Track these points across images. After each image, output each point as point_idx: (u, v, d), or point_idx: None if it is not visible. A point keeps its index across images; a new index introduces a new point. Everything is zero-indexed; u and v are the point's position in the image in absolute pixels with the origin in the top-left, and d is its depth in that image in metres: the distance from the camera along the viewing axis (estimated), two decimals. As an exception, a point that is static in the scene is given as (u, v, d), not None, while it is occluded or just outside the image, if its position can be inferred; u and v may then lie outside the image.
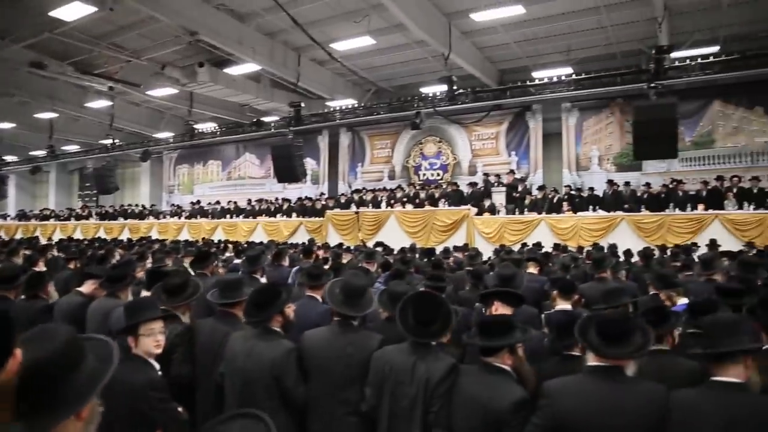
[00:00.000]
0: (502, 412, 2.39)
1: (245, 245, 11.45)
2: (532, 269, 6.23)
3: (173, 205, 23.67)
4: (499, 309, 3.47)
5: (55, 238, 18.53)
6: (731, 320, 2.31)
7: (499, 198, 14.05)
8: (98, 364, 1.48)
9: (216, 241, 14.14)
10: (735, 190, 12.01)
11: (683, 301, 4.28)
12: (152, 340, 2.75)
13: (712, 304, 3.51)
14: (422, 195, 15.40)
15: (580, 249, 10.27)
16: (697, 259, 6.61)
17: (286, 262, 7.59)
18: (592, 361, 2.35)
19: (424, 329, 2.82)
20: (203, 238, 15.52)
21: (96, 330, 3.85)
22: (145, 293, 3.96)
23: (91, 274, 4.52)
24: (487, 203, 13.89)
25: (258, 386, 2.95)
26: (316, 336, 3.16)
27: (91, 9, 10.74)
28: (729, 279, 5.37)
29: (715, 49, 12.76)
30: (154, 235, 17.97)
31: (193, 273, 5.11)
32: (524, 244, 11.01)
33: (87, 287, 4.47)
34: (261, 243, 12.49)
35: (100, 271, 4.55)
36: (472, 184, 15.13)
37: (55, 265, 9.06)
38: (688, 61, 12.07)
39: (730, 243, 10.21)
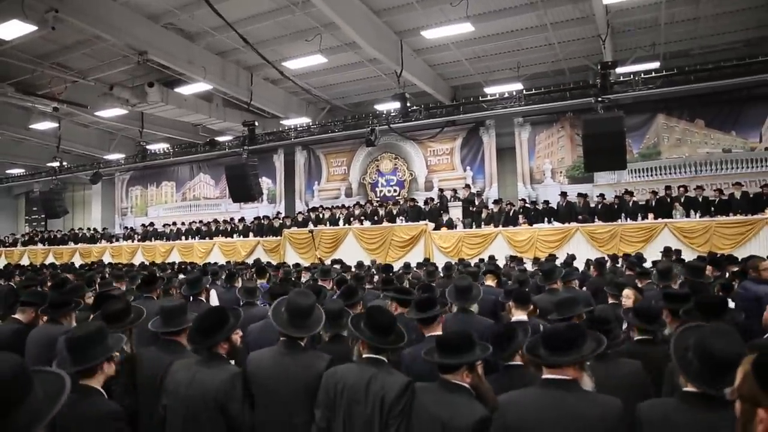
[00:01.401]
0: (464, 430, 2.33)
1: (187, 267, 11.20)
2: (490, 282, 6.26)
3: (126, 227, 23.03)
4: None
5: (1, 265, 17.72)
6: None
7: (455, 212, 14.16)
8: (44, 400, 1.39)
9: (169, 263, 13.77)
10: (682, 200, 12.42)
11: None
12: None
13: (653, 310, 3.58)
14: (381, 212, 15.39)
15: (537, 260, 10.41)
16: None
17: (239, 284, 7.40)
18: (546, 374, 2.33)
19: (382, 338, 2.75)
20: (152, 262, 15.07)
21: (37, 358, 3.66)
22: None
23: (27, 301, 4.29)
24: (444, 218, 13.98)
25: (202, 416, 2.76)
26: (261, 358, 3.00)
27: (31, 28, 10.33)
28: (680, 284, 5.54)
29: (656, 65, 13.27)
30: (107, 259, 17.41)
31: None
32: (481, 260, 11.04)
33: (22, 315, 4.24)
34: (215, 264, 12.21)
35: (36, 297, 4.32)
36: (429, 200, 15.21)
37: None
38: (632, 77, 12.49)
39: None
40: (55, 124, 18.28)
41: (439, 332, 3.31)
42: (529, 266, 9.63)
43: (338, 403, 2.66)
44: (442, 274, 7.78)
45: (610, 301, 5.03)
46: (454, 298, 4.26)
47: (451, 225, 13.81)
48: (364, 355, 2.79)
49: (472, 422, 2.32)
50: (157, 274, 6.96)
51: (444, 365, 2.51)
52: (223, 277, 7.70)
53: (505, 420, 2.27)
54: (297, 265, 10.67)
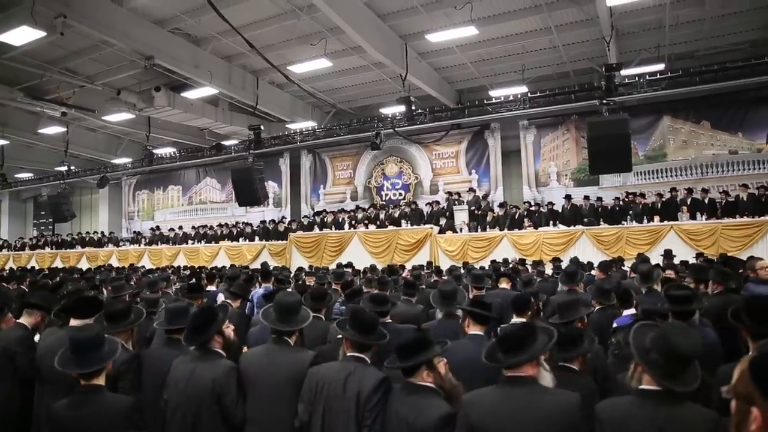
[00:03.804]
0: (427, 429, 2.40)
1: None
2: (505, 284, 6.29)
3: (133, 231, 23.16)
4: (471, 326, 3.48)
5: (8, 268, 17.85)
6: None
7: (461, 216, 14.16)
8: None
9: (177, 267, 13.83)
10: (688, 202, 12.37)
11: (628, 312, 4.34)
12: None
13: (657, 313, 3.59)
14: (381, 215, 15.42)
15: (556, 260, 10.38)
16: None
17: (256, 287, 7.45)
18: (504, 372, 2.41)
19: (364, 335, 2.88)
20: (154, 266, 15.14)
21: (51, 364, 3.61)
22: (74, 321, 3.68)
23: (32, 304, 4.17)
24: (443, 222, 13.97)
25: (201, 408, 2.92)
26: (252, 354, 3.18)
27: (40, 33, 10.44)
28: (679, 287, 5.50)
29: (661, 66, 13.25)
30: (114, 263, 17.50)
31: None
32: (493, 261, 10.95)
33: (28, 318, 4.17)
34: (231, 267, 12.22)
35: (45, 300, 4.29)
36: (433, 203, 15.22)
37: (5, 298, 8.73)
38: (637, 79, 12.47)
39: (685, 252, 10.49)
40: (63, 129, 18.45)
41: (479, 332, 3.44)
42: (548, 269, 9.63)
43: (318, 398, 2.79)
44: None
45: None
46: (439, 303, 4.28)
47: (453, 228, 13.80)
48: (347, 354, 2.90)
49: (434, 420, 2.39)
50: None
51: (403, 369, 2.60)
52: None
53: (469, 418, 2.34)
54: (300, 269, 10.68)
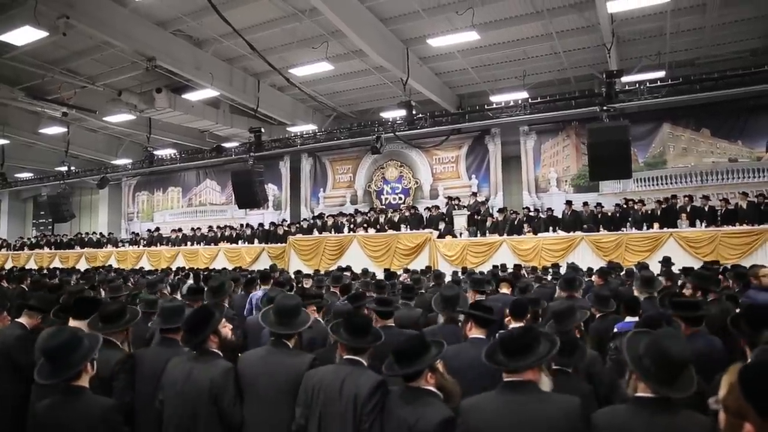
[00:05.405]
0: None
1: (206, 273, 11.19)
2: (505, 290, 6.29)
3: (132, 232, 23.15)
4: (473, 329, 3.48)
5: (7, 268, 17.79)
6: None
7: (460, 221, 14.15)
8: None
9: (175, 269, 13.81)
10: (688, 209, 12.37)
11: (629, 319, 4.31)
12: None
13: (662, 319, 3.57)
14: (381, 219, 15.41)
15: (545, 269, 10.37)
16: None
17: (256, 289, 7.41)
18: (505, 377, 2.38)
19: (358, 339, 2.85)
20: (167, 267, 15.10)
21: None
22: (73, 322, 3.67)
23: (32, 306, 4.24)
24: (442, 226, 13.96)
25: (198, 409, 2.91)
26: (251, 356, 3.17)
27: (42, 34, 10.47)
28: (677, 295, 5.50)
29: (662, 74, 13.28)
30: (113, 264, 17.47)
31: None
32: (495, 266, 10.94)
33: (28, 319, 4.20)
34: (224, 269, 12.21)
35: (44, 303, 4.30)
36: (433, 208, 15.22)
37: (3, 296, 8.77)
38: (637, 86, 12.49)
39: (685, 259, 10.47)
40: (63, 129, 18.46)
41: (481, 336, 3.43)
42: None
43: (315, 402, 2.77)
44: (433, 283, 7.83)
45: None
46: (440, 307, 4.25)
47: (451, 233, 13.79)
48: (343, 357, 2.89)
49: (435, 424, 2.38)
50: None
51: (406, 375, 2.57)
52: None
53: (468, 426, 2.32)
54: (298, 272, 10.64)
